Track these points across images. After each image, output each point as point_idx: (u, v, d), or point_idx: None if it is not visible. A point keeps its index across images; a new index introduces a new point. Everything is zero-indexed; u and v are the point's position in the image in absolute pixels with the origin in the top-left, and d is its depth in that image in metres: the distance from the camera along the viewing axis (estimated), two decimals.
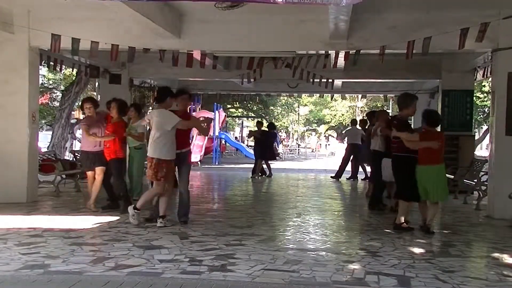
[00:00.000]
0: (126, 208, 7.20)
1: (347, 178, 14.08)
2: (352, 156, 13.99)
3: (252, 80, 11.99)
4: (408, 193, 6.55)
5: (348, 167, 14.20)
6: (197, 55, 9.20)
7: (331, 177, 14.15)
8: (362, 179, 13.87)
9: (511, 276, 4.65)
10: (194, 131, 21.55)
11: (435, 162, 6.46)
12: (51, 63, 10.51)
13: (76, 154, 12.03)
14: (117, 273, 4.44)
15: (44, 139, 17.33)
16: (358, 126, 14.43)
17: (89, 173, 7.89)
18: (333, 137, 42.88)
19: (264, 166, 14.69)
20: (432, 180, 6.45)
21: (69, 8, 8.11)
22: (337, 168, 14.28)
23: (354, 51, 8.60)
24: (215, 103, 20.85)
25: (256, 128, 15.70)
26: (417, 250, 5.57)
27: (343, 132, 14.66)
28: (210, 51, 9.75)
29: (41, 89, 18.84)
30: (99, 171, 7.75)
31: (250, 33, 8.71)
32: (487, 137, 16.76)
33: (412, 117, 10.19)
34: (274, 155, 14.90)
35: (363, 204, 9.88)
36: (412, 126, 8.37)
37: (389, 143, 7.18)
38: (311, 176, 15.53)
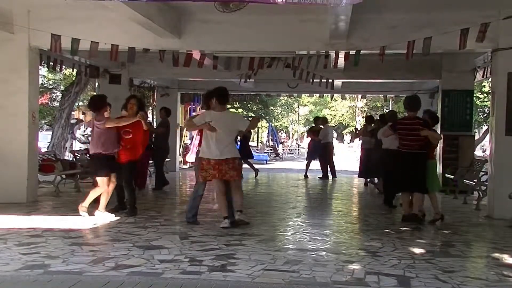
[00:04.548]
0: (132, 212, 7.35)
1: (319, 177, 14.30)
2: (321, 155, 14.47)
3: (249, 79, 11.97)
4: (426, 186, 7.27)
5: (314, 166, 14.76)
6: (196, 55, 9.20)
7: (319, 178, 14.32)
8: (319, 178, 14.25)
9: (511, 276, 4.65)
10: (194, 131, 21.66)
11: (433, 157, 7.56)
12: (51, 63, 10.51)
13: (76, 154, 12.03)
14: (117, 273, 4.43)
15: (44, 139, 17.33)
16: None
17: (105, 180, 7.09)
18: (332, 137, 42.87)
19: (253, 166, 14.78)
20: (432, 173, 7.38)
21: (69, 8, 8.12)
22: (330, 169, 14.49)
23: (355, 51, 8.59)
24: None
25: None
26: (417, 250, 5.57)
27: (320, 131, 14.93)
28: (210, 51, 9.74)
29: (41, 89, 18.84)
30: (112, 178, 7.24)
31: (250, 33, 8.70)
32: (487, 137, 16.76)
33: None
34: (250, 155, 14.89)
35: (363, 204, 9.90)
36: None
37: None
38: (310, 176, 15.50)
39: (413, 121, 7.23)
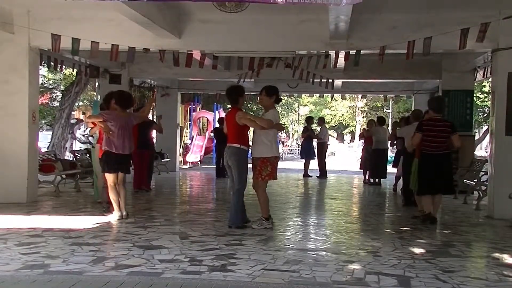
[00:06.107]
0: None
1: (317, 176, 14.39)
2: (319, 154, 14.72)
3: (249, 79, 11.98)
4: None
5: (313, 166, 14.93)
6: (197, 55, 9.20)
7: (317, 177, 14.43)
8: (318, 177, 14.40)
9: (511, 276, 4.65)
10: (194, 131, 21.69)
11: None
12: (51, 63, 10.51)
13: (76, 154, 12.03)
14: (117, 273, 4.43)
15: (44, 139, 17.34)
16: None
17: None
18: (333, 137, 42.90)
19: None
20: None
21: (69, 8, 8.12)
22: (325, 168, 14.69)
23: (355, 51, 8.60)
24: (215, 103, 20.84)
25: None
26: (417, 250, 5.57)
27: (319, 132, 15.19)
28: (210, 51, 9.75)
29: (41, 89, 18.86)
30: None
31: (250, 33, 8.71)
32: (487, 137, 16.77)
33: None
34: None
35: (363, 203, 9.90)
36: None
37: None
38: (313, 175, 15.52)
39: (441, 122, 7.16)
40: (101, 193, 7.98)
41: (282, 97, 34.34)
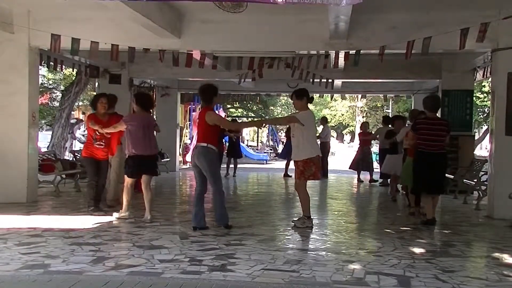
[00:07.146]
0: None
1: None
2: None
3: (249, 79, 11.97)
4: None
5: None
6: (197, 55, 9.20)
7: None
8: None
9: (511, 276, 4.65)
10: (194, 131, 21.68)
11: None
12: (51, 63, 10.51)
13: (76, 154, 12.03)
14: (117, 273, 4.43)
15: (44, 139, 17.33)
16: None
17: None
18: (333, 137, 42.91)
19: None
20: (411, 170, 7.42)
21: (69, 8, 8.11)
22: (327, 168, 14.74)
23: (355, 51, 8.60)
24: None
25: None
26: (417, 250, 5.57)
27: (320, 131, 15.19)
28: (210, 51, 9.75)
29: (41, 89, 18.86)
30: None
31: (250, 33, 8.71)
32: (487, 137, 16.76)
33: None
34: (239, 154, 15.40)
35: (363, 203, 9.89)
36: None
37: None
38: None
39: (438, 121, 7.18)
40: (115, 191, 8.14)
41: (283, 97, 34.02)
